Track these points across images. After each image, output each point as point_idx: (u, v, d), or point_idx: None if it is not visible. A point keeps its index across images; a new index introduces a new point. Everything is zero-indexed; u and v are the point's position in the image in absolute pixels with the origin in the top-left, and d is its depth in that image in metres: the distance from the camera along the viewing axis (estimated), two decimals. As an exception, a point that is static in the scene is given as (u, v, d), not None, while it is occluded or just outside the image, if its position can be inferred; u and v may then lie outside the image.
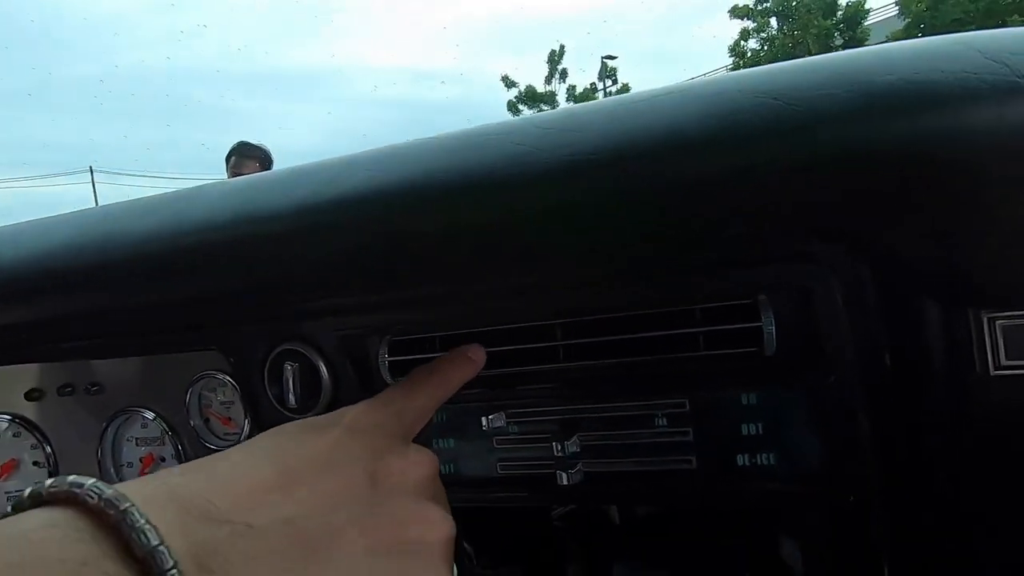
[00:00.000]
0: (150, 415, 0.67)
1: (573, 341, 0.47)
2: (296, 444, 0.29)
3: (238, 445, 0.29)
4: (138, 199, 0.47)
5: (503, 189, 0.34)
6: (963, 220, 0.31)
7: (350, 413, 0.33)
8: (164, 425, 0.67)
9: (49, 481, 0.22)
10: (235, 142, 2.94)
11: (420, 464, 0.33)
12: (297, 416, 0.53)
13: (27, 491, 0.22)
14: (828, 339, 0.41)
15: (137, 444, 0.70)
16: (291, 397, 0.52)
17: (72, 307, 0.49)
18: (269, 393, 0.54)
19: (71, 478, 0.22)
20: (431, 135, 0.40)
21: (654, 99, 0.33)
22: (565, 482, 0.47)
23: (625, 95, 0.36)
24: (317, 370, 0.52)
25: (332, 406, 0.53)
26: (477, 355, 0.42)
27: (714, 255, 0.37)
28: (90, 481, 0.22)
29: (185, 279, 0.43)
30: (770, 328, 0.42)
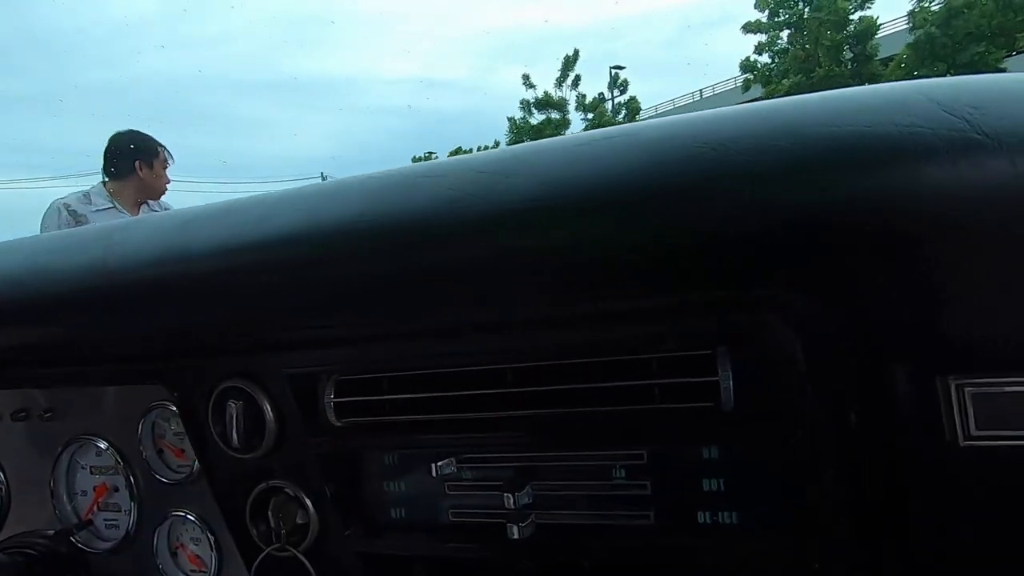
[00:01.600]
0: (103, 444, 0.65)
1: (524, 388, 0.44)
2: None
3: None
4: (72, 231, 0.45)
5: (430, 237, 0.32)
6: (918, 281, 0.28)
7: None
8: (116, 455, 0.65)
9: None
10: (141, 135, 2.22)
11: None
12: (242, 456, 0.51)
13: None
14: (791, 396, 0.38)
15: (91, 472, 0.68)
16: (234, 436, 0.50)
17: (4, 340, 0.47)
18: (213, 431, 0.51)
19: None
20: (369, 173, 0.38)
21: (594, 143, 0.31)
22: (516, 536, 0.45)
23: (570, 136, 0.34)
24: (261, 409, 0.49)
25: (277, 448, 0.50)
26: None
27: (650, 305, 0.35)
28: None
29: (115, 315, 0.41)
30: (727, 383, 0.39)
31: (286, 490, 0.52)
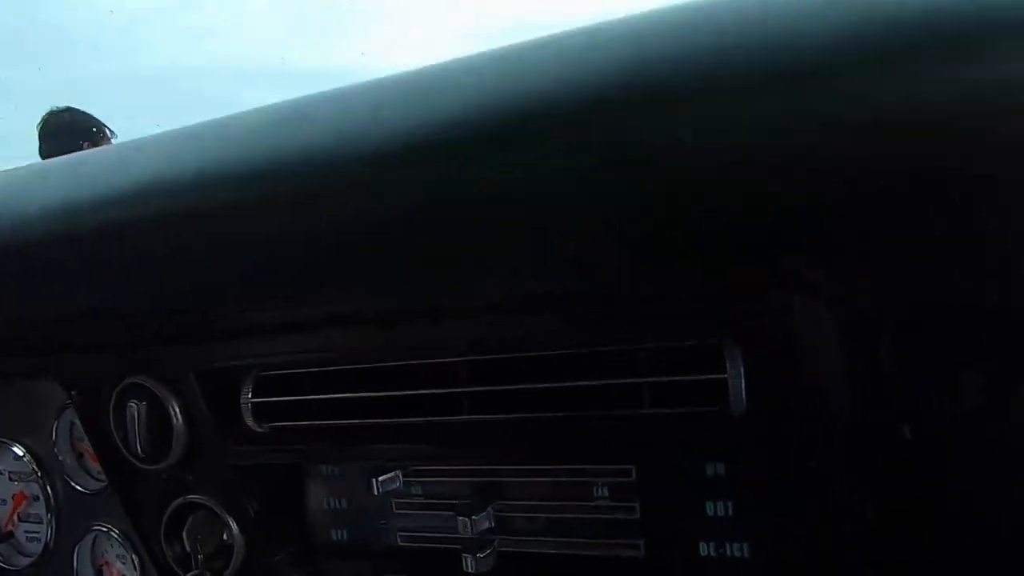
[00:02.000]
0: (20, 449, 0.57)
1: (482, 388, 0.35)
2: None
3: None
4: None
5: (279, 192, 0.23)
6: (1007, 249, 0.19)
7: None
8: (33, 461, 0.56)
9: None
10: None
11: None
12: (149, 466, 0.43)
13: None
14: (821, 400, 0.29)
15: (10, 479, 0.60)
16: (137, 443, 0.41)
17: None
18: (116, 437, 0.43)
19: None
20: (235, 113, 0.28)
21: (505, 60, 0.22)
22: (473, 568, 0.36)
23: (477, 54, 0.25)
24: (167, 411, 0.41)
25: (188, 456, 0.42)
26: None
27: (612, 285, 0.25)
28: None
29: None
30: (738, 382, 0.30)
31: (209, 506, 0.44)
